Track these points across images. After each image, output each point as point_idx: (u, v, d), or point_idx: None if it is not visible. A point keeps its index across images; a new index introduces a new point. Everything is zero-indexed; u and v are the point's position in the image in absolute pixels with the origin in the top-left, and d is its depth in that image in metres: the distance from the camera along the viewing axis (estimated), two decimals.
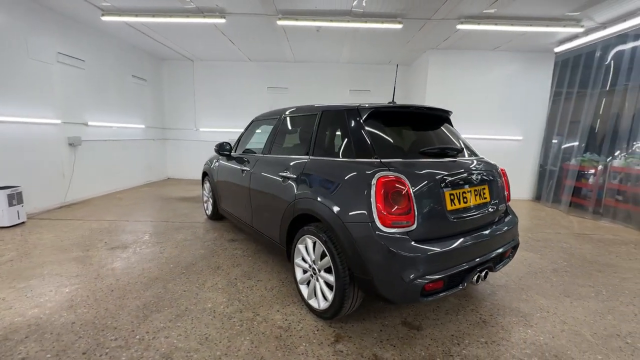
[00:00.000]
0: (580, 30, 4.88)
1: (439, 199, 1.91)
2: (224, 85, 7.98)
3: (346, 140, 2.17)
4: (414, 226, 1.80)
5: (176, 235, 3.84)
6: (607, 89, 5.52)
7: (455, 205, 1.99)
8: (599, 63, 5.56)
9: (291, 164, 2.49)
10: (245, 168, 3.20)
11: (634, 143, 5.00)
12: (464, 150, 2.40)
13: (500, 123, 6.69)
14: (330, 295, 2.04)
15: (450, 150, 2.23)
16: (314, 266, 2.19)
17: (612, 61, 5.39)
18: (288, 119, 2.96)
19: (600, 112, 5.72)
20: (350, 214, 1.87)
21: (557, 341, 2.01)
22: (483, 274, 2.04)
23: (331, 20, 4.76)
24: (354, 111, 2.22)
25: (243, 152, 3.68)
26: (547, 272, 3.09)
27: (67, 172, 5.14)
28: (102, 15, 4.81)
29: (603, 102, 5.67)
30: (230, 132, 8.09)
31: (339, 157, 2.18)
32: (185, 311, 2.23)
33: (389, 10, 4.49)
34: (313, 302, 2.21)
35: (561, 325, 2.18)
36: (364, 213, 1.81)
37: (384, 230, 1.76)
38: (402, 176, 1.81)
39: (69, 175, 5.19)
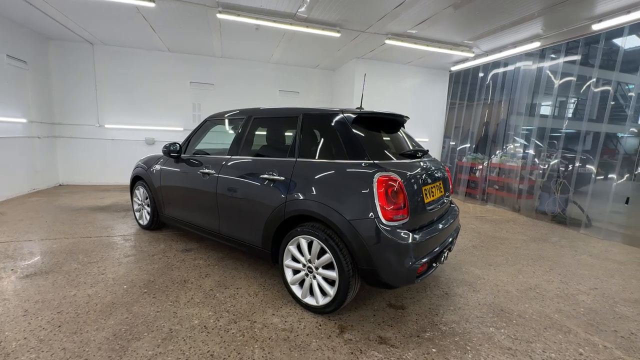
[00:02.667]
0: (471, 55, 6.15)
1: (421, 194, 2.24)
2: (137, 76, 6.95)
3: (336, 142, 2.30)
4: (408, 218, 2.07)
5: (111, 252, 3.27)
6: (488, 102, 7.10)
7: (429, 198, 2.35)
8: (482, 82, 7.10)
9: (276, 166, 2.47)
10: (207, 171, 2.96)
11: (506, 144, 6.60)
12: (428, 151, 2.83)
13: (411, 126, 7.75)
14: (331, 290, 2.15)
15: (420, 152, 2.61)
16: (309, 265, 2.26)
17: (491, 81, 6.96)
18: (258, 120, 2.90)
19: (485, 120, 7.31)
20: (354, 211, 2.02)
21: (498, 299, 2.61)
22: (447, 254, 2.47)
23: (274, 21, 4.75)
24: (339, 115, 2.37)
25: (194, 153, 3.40)
26: (470, 248, 3.86)
27: None
28: None
29: (486, 112, 7.26)
30: (147, 130, 7.16)
31: (330, 158, 2.29)
32: (170, 333, 2.00)
33: (330, 20, 4.76)
34: (310, 300, 2.28)
35: (496, 287, 2.82)
36: (368, 210, 1.99)
37: (387, 224, 1.98)
38: (397, 176, 2.06)
39: None
